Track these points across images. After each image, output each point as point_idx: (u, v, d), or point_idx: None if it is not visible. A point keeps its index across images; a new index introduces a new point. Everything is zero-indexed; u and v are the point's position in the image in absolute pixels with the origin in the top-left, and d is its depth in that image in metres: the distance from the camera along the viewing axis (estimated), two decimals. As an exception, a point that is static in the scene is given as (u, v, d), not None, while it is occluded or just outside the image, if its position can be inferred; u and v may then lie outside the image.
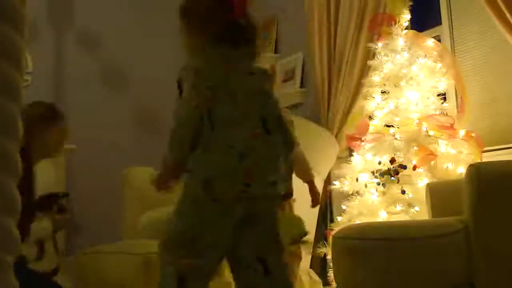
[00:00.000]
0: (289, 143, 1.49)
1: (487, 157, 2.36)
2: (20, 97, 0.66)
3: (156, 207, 2.70)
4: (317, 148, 2.85)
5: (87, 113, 3.66)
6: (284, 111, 1.58)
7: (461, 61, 2.71)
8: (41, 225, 1.77)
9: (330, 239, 2.22)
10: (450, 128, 2.35)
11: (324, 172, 2.85)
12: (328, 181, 2.85)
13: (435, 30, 2.88)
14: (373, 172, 2.36)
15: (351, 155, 2.62)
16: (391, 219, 2.22)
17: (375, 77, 2.61)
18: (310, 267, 2.74)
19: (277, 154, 1.43)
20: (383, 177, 2.30)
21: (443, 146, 2.34)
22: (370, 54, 2.79)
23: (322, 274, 2.74)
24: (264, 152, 1.39)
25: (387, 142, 2.39)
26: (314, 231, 2.79)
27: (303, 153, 1.90)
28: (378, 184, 2.32)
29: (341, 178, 2.53)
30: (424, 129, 2.37)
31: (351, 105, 2.96)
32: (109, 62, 3.85)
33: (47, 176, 2.24)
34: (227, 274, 2.26)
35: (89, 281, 2.21)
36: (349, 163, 2.54)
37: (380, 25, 2.75)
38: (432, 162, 2.28)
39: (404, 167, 2.26)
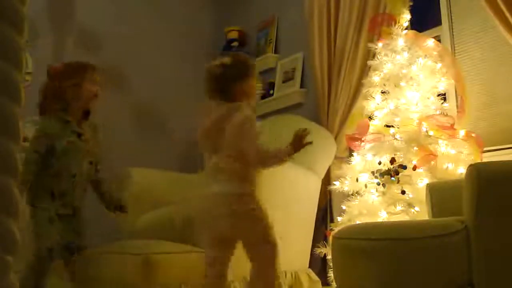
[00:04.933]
0: None
1: (487, 157, 2.36)
2: (20, 97, 0.66)
3: (156, 207, 2.71)
4: (317, 147, 2.84)
5: (87, 113, 3.65)
6: None
7: (461, 61, 2.71)
8: None
9: (330, 239, 2.22)
10: (450, 128, 2.35)
11: (322, 172, 2.84)
12: (328, 181, 2.85)
13: (435, 30, 2.89)
14: (373, 172, 2.36)
15: (351, 155, 2.62)
16: (391, 219, 2.22)
17: (375, 77, 2.61)
18: (309, 267, 2.74)
19: None
20: (383, 177, 2.30)
21: (443, 146, 2.34)
22: (370, 54, 2.79)
23: (322, 274, 2.74)
24: None
25: (387, 142, 2.39)
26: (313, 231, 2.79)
27: None
28: (378, 184, 2.32)
29: (341, 178, 2.53)
30: (424, 129, 2.37)
31: (351, 105, 2.96)
32: (109, 62, 3.85)
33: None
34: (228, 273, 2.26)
35: (89, 281, 2.21)
36: (349, 163, 2.54)
37: (380, 25, 2.75)
38: (432, 162, 2.27)
39: (404, 167, 2.26)
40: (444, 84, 2.51)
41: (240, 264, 2.36)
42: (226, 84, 1.80)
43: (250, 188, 1.77)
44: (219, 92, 1.81)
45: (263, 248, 1.77)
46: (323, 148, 2.86)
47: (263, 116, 3.73)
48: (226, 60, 1.84)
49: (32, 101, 2.22)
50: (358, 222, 2.29)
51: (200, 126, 1.83)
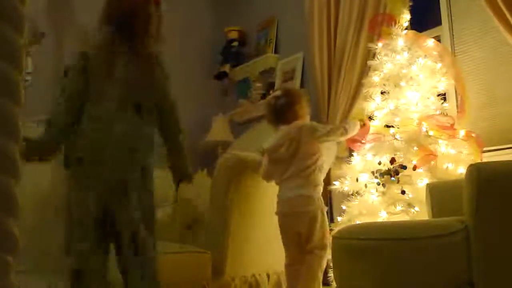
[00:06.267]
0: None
1: (487, 157, 2.36)
2: (20, 97, 0.66)
3: (156, 207, 2.70)
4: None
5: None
6: None
7: (461, 61, 2.71)
8: None
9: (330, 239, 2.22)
10: (450, 128, 2.35)
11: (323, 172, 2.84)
12: (328, 181, 2.85)
13: (435, 30, 2.88)
14: (373, 172, 2.36)
15: (351, 155, 2.62)
16: (391, 219, 2.22)
17: (375, 77, 2.61)
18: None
19: None
20: (383, 177, 2.30)
21: (443, 146, 2.34)
22: (370, 54, 2.79)
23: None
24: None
25: (387, 142, 2.39)
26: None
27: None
28: (378, 184, 2.32)
29: (341, 178, 2.53)
30: (424, 129, 2.37)
31: (351, 105, 2.96)
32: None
33: (46, 177, 2.24)
34: (227, 273, 2.27)
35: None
36: (349, 163, 2.54)
37: (380, 25, 2.75)
38: (432, 162, 2.28)
39: (404, 167, 2.26)
40: (444, 84, 2.50)
41: (240, 263, 2.36)
42: (282, 111, 2.25)
43: (319, 192, 2.18)
44: (279, 118, 2.25)
45: (317, 252, 2.13)
46: (325, 149, 2.86)
47: (263, 117, 3.73)
48: (277, 93, 2.30)
49: (32, 101, 2.20)
50: (358, 222, 2.29)
51: (272, 147, 2.22)
